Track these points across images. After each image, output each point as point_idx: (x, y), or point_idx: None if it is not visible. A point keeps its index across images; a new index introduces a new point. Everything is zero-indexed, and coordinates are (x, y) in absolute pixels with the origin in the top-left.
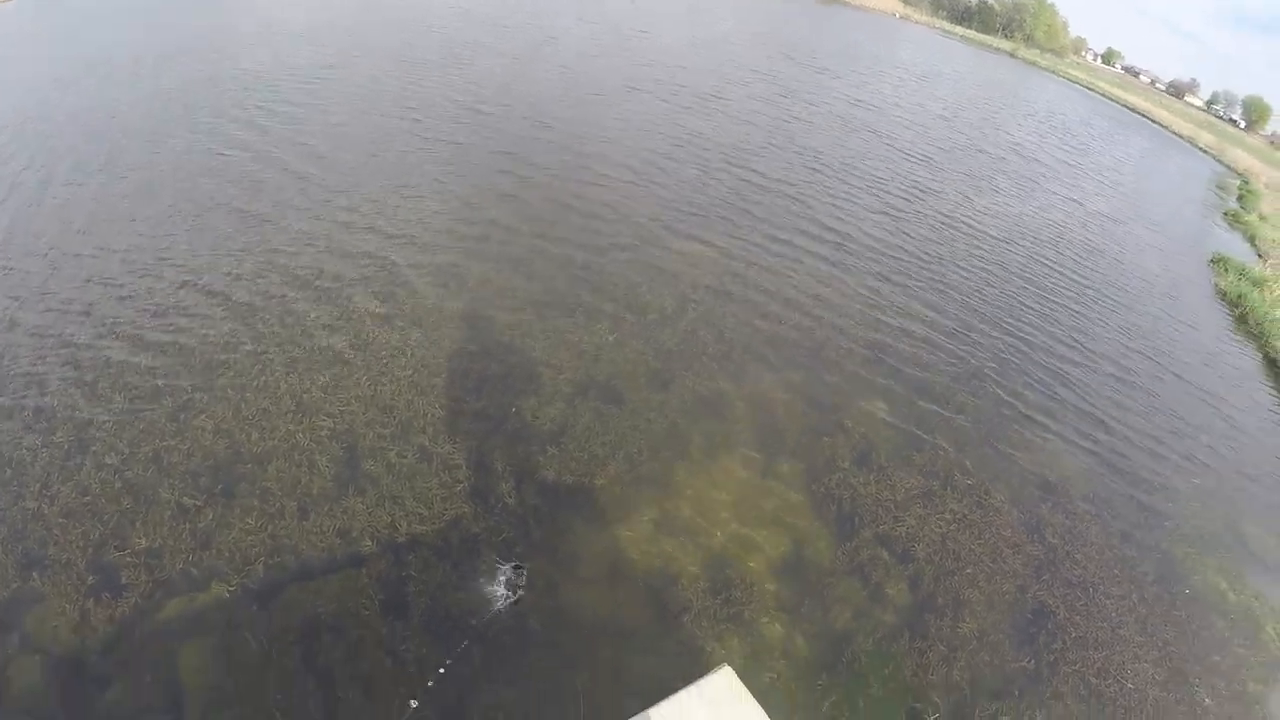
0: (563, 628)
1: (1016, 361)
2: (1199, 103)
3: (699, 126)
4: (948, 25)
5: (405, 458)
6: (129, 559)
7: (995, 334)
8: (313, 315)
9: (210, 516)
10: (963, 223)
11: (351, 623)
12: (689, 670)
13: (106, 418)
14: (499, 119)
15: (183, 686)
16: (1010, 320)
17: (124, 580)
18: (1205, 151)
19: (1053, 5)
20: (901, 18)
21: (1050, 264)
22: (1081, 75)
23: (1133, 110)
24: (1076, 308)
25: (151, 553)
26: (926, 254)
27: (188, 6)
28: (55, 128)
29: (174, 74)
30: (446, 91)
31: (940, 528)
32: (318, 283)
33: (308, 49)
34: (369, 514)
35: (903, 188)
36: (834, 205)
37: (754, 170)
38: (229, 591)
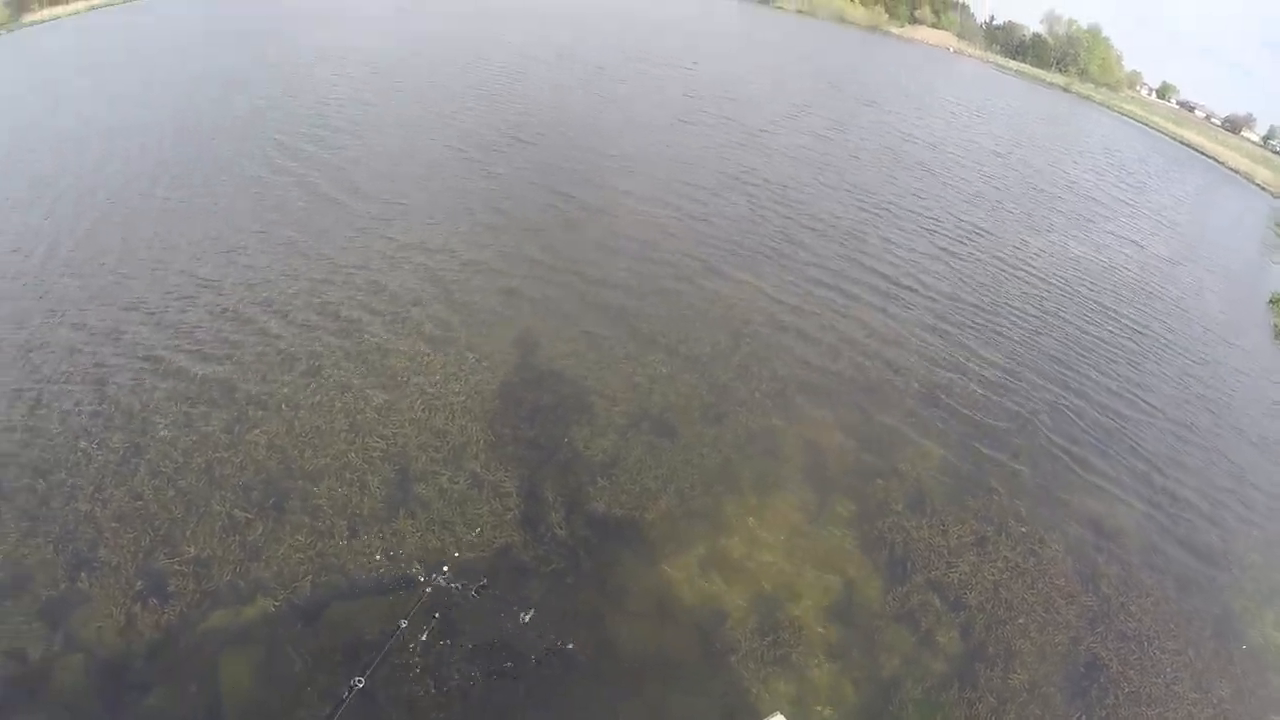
0: (608, 660)
1: (1072, 408)
2: (1255, 138)
3: (749, 161)
4: (1001, 60)
5: (457, 483)
6: (177, 567)
7: (1050, 379)
8: (367, 338)
9: (260, 530)
10: (1018, 264)
11: (394, 645)
12: (734, 712)
13: (163, 426)
14: (549, 151)
15: (223, 697)
16: (1065, 365)
17: (171, 588)
18: (1263, 188)
19: (1107, 39)
20: (955, 52)
21: (1106, 308)
22: (1137, 110)
23: (1189, 146)
24: (1133, 353)
25: (200, 562)
26: (981, 296)
27: (249, 35)
28: (119, 144)
29: (236, 99)
30: (495, 123)
31: (993, 575)
32: (372, 306)
33: (361, 78)
34: (419, 537)
35: (956, 227)
36: (886, 244)
37: (805, 208)
38: (274, 606)
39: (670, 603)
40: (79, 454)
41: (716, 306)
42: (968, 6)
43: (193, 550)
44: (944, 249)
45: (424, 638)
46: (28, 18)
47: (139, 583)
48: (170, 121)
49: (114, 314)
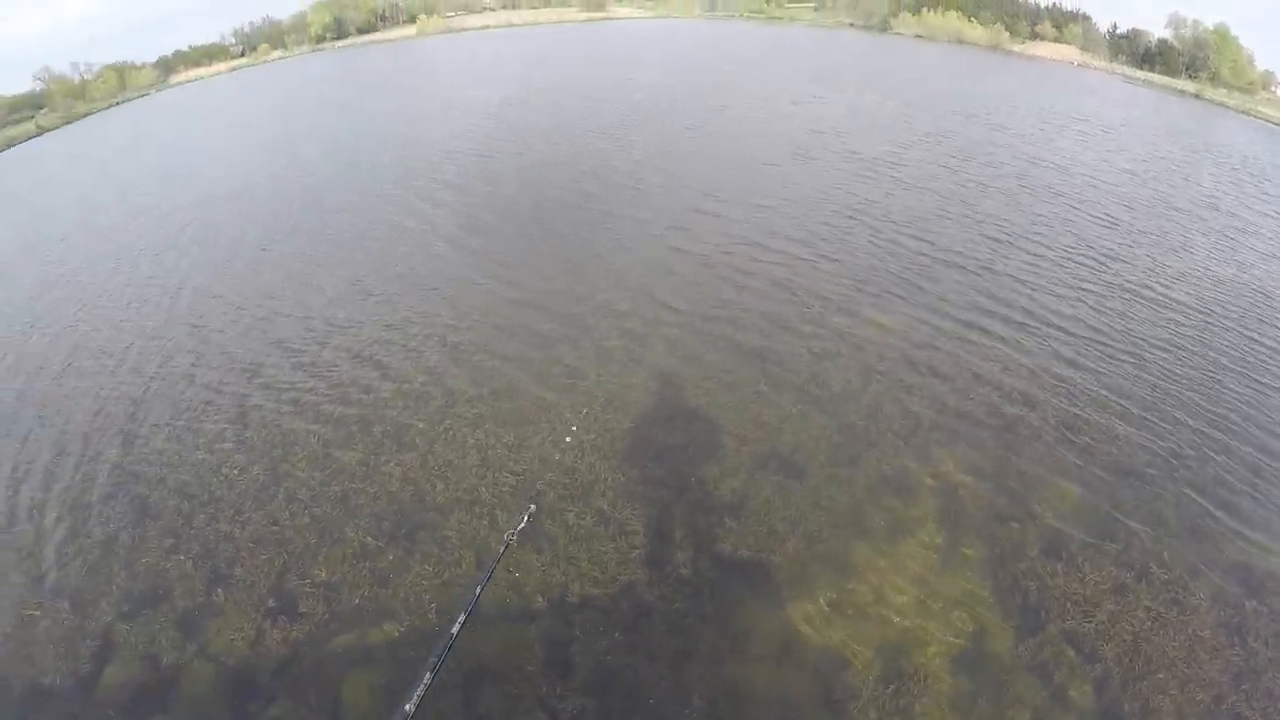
0: (727, 703)
1: (1219, 445)
2: None
3: (872, 194)
4: (1129, 70)
5: (583, 519)
6: (308, 588)
7: (1195, 414)
8: (500, 376)
9: (390, 558)
10: (1158, 290)
11: (514, 675)
12: None
13: (301, 456)
14: (669, 190)
15: (342, 714)
16: (1211, 398)
17: (301, 608)
18: None
19: (1235, 39)
20: (1079, 65)
21: (1253, 334)
22: (1274, 113)
23: None
24: None
25: (330, 585)
26: (1118, 325)
27: (381, 90)
28: (261, 192)
29: (372, 149)
30: (617, 164)
31: (1132, 625)
32: (501, 346)
33: (490, 128)
34: (543, 571)
35: (1090, 253)
36: (1018, 275)
37: (931, 240)
38: (399, 631)
39: (793, 647)
40: (221, 480)
41: (846, 344)
42: (1090, 17)
43: (324, 574)
44: (1078, 277)
45: (540, 668)
46: (174, 78)
47: (271, 601)
48: (307, 171)
49: (261, 347)
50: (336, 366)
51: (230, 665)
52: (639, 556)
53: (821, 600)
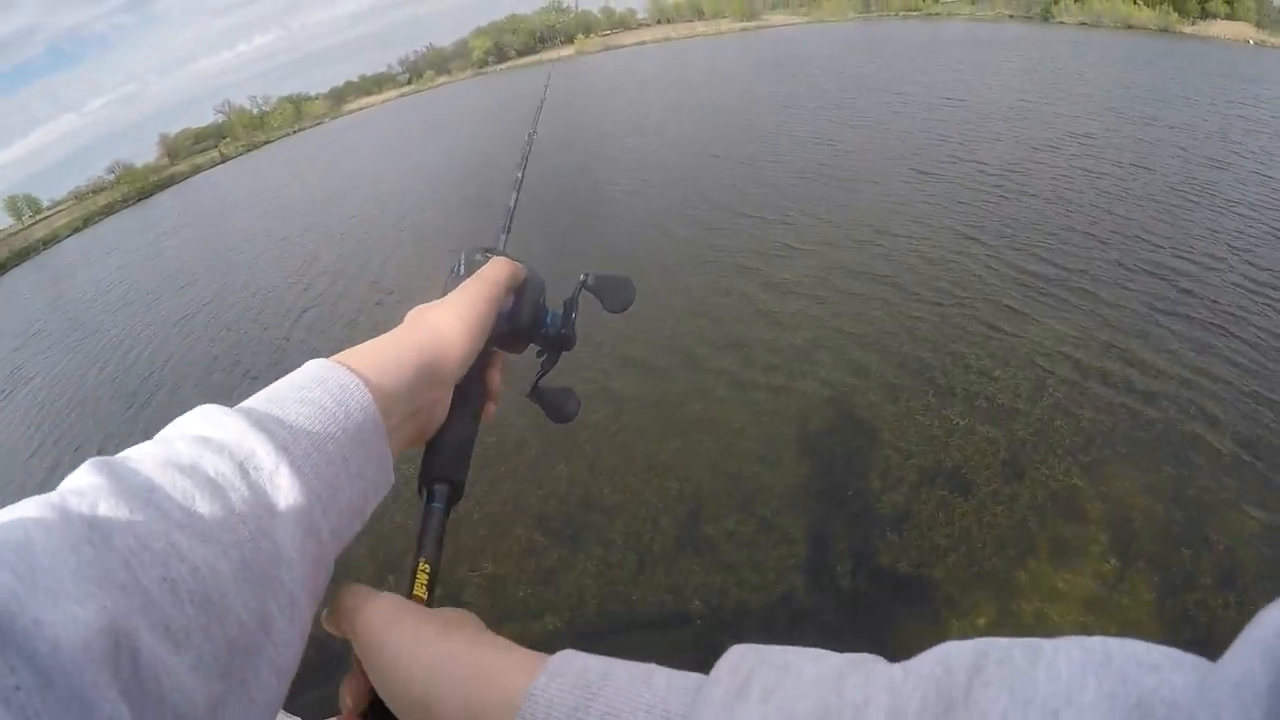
0: None
1: None
2: None
3: (1045, 191)
4: None
5: (745, 527)
6: (476, 579)
7: None
8: (668, 384)
9: (555, 557)
10: None
11: None
12: None
13: (476, 459)
14: (847, 212)
15: None
16: None
17: (467, 597)
18: None
19: None
20: (1256, 44)
21: None
22: None
23: None
24: None
25: (497, 579)
26: None
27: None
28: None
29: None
30: (781, 182)
31: None
32: (659, 361)
33: (666, 150)
34: (703, 575)
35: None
36: (1202, 279)
37: (1107, 241)
38: (559, 624)
39: None
40: (396, 475)
41: (1018, 353)
42: None
43: (491, 568)
44: (1267, 284)
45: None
46: (345, 107)
47: (438, 589)
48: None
49: None
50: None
51: None
52: (797, 565)
53: (981, 620)
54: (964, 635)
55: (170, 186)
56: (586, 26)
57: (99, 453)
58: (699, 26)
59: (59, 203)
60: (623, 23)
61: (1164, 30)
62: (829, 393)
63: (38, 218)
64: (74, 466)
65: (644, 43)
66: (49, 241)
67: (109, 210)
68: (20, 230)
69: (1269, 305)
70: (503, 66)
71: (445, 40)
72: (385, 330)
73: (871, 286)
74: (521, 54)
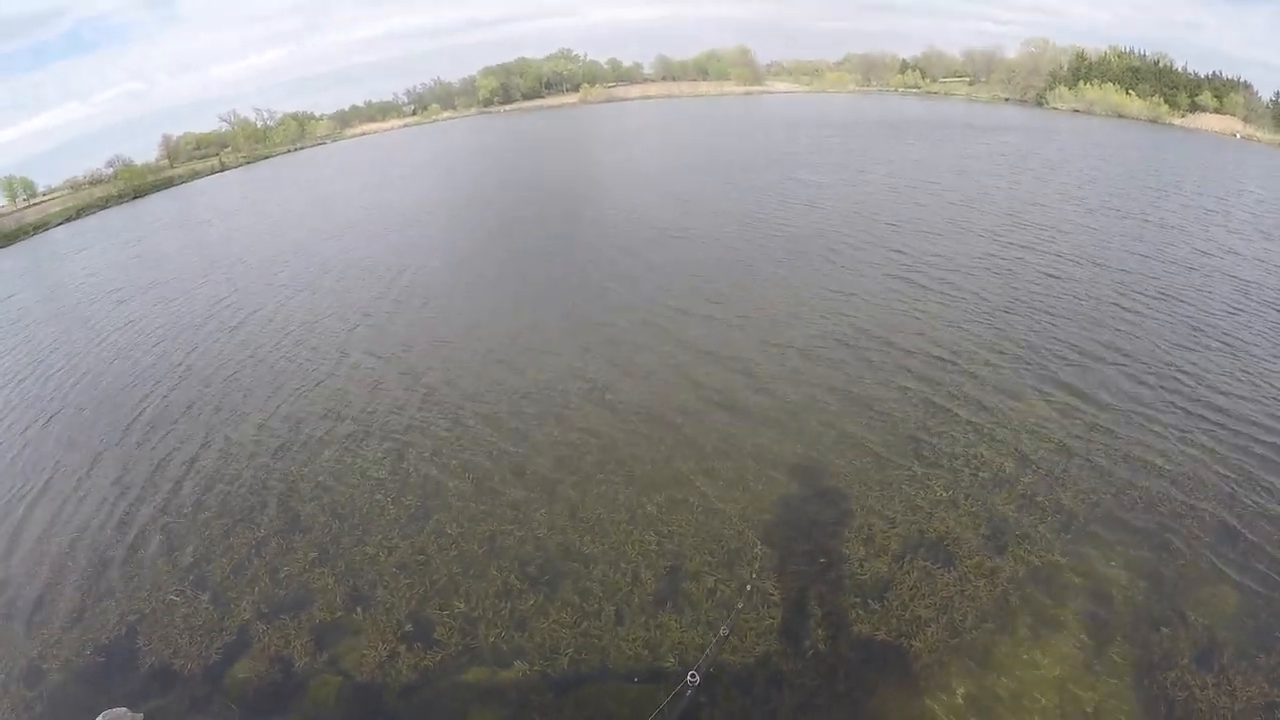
0: None
1: None
2: None
3: (1028, 277)
4: None
5: (726, 586)
6: (446, 619)
7: None
8: (652, 440)
9: (531, 602)
10: None
11: None
12: None
13: (454, 494)
14: (848, 266)
15: None
16: None
17: (436, 636)
18: None
19: None
20: (1243, 138)
21: None
22: None
23: None
24: None
25: (468, 619)
26: None
27: (543, 149)
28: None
29: (541, 203)
30: (798, 244)
31: None
32: (660, 415)
33: (648, 197)
34: (681, 633)
35: (1268, 347)
36: (1190, 363)
37: (1088, 330)
38: (530, 673)
39: None
40: (374, 505)
41: (1004, 428)
42: (1250, 85)
43: (463, 607)
44: (1244, 370)
45: None
46: (349, 131)
47: (408, 625)
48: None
49: (439, 386)
50: (498, 411)
51: (358, 681)
52: (776, 628)
53: (959, 694)
54: (943, 709)
55: (167, 188)
56: (592, 76)
57: None
58: (703, 86)
59: (54, 190)
60: (629, 76)
61: (1154, 120)
62: (815, 458)
63: (31, 201)
64: None
65: (649, 97)
66: (39, 227)
67: (104, 204)
68: (12, 212)
69: (1251, 384)
70: (508, 108)
71: (453, 76)
72: None
73: (862, 354)
74: (527, 97)
